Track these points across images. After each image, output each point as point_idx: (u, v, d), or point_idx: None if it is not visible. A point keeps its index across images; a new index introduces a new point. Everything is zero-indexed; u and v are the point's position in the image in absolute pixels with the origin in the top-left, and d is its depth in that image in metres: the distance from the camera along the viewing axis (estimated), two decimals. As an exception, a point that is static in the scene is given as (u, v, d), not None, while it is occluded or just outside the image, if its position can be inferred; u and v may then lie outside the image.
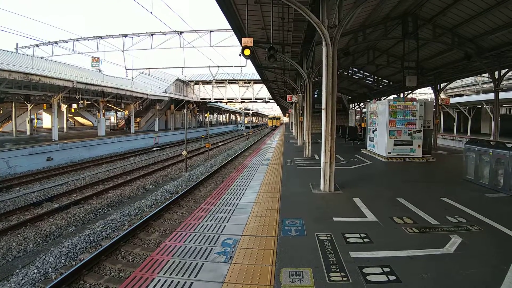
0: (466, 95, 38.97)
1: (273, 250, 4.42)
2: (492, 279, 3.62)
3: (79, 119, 47.00)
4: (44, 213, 9.38)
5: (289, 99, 21.51)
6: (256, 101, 50.43)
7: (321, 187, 7.78)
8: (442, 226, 5.29)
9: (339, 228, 5.18)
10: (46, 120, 41.06)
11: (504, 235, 4.94)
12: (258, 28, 12.94)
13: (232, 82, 46.00)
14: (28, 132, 27.75)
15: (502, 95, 20.54)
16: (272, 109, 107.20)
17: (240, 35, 12.53)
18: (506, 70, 15.33)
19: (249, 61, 18.82)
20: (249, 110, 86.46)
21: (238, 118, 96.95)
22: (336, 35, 7.30)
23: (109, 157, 22.70)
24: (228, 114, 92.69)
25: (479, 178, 8.44)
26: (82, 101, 26.64)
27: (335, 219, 5.66)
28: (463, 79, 32.96)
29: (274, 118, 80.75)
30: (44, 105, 28.90)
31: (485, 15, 12.09)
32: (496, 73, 15.11)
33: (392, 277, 3.63)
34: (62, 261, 6.43)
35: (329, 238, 4.78)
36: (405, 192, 7.73)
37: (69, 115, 41.08)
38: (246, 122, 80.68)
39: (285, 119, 76.50)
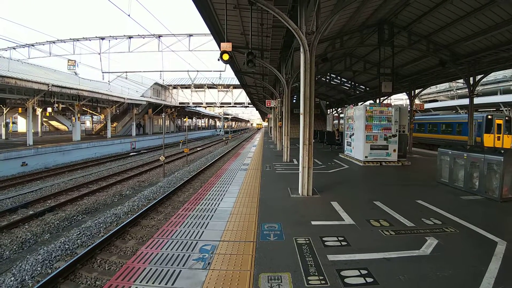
0: (440, 101, 40.17)
1: (251, 255, 4.40)
2: (470, 280, 3.67)
3: (54, 123, 45.60)
4: (20, 220, 9.18)
5: (268, 104, 21.58)
6: (235, 106, 50.37)
7: (300, 191, 7.83)
8: (418, 228, 5.39)
9: (317, 232, 5.21)
10: (22, 124, 39.95)
11: (481, 236, 5.05)
12: (237, 33, 12.96)
13: (211, 86, 45.75)
14: (3, 137, 27.09)
15: (477, 100, 21.24)
16: (252, 114, 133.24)
17: (219, 40, 12.49)
18: (481, 76, 15.80)
19: (228, 66, 18.82)
20: (228, 115, 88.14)
21: (218, 123, 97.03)
22: (314, 42, 7.40)
23: (84, 162, 22.19)
24: (207, 119, 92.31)
25: (453, 181, 8.67)
26: (57, 105, 25.92)
27: (313, 223, 5.69)
28: (438, 85, 33.93)
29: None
30: (20, 108, 28.11)
31: (461, 22, 12.34)
32: (471, 78, 15.55)
33: (369, 280, 3.67)
34: (39, 268, 6.33)
35: (307, 242, 4.79)
36: (382, 195, 7.85)
37: (44, 119, 39.92)
38: (225, 127, 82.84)
39: (265, 124, 79.88)
